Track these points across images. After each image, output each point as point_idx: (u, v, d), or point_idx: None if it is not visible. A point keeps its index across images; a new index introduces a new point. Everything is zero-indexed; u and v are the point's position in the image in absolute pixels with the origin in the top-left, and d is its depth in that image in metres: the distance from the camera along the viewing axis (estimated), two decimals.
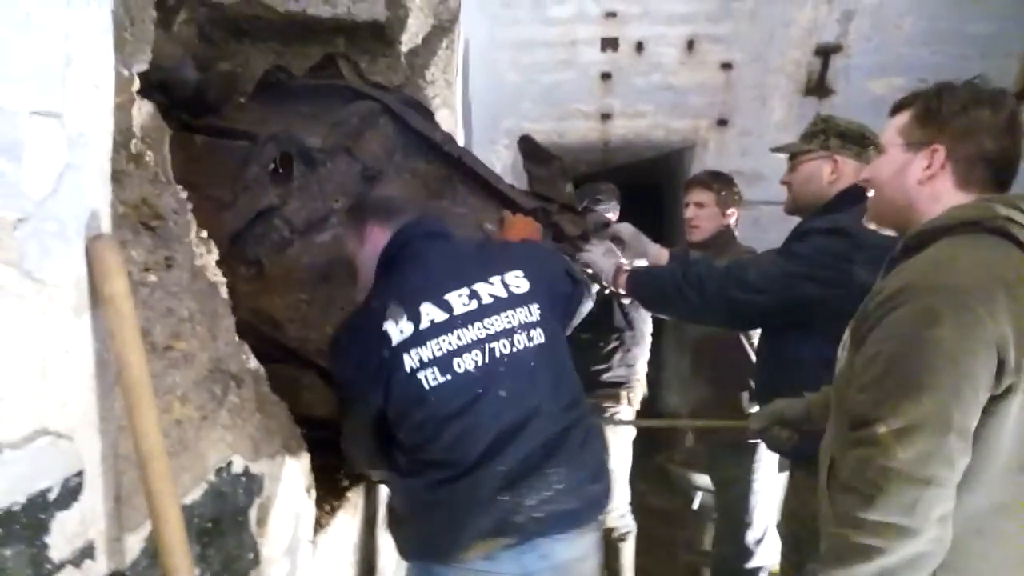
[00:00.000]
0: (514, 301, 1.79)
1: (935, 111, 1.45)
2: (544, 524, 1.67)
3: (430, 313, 1.74)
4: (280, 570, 1.80)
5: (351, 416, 1.90)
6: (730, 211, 3.08)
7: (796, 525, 2.23)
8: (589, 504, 1.75)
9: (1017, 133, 1.44)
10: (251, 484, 1.62)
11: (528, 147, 2.85)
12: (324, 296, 2.28)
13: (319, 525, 2.09)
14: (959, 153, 1.42)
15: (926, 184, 1.45)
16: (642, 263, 2.68)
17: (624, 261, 2.55)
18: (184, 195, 1.48)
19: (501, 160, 4.92)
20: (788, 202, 2.44)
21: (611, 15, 4.61)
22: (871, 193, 1.57)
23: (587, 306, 2.12)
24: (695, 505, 3.71)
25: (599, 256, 2.51)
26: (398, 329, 1.73)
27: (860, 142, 2.26)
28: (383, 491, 2.59)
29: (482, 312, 1.76)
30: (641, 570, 4.11)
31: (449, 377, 1.71)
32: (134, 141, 1.35)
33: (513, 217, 2.35)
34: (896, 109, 1.54)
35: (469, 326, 1.74)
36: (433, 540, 1.73)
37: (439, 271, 1.81)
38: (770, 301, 2.16)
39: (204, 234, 1.52)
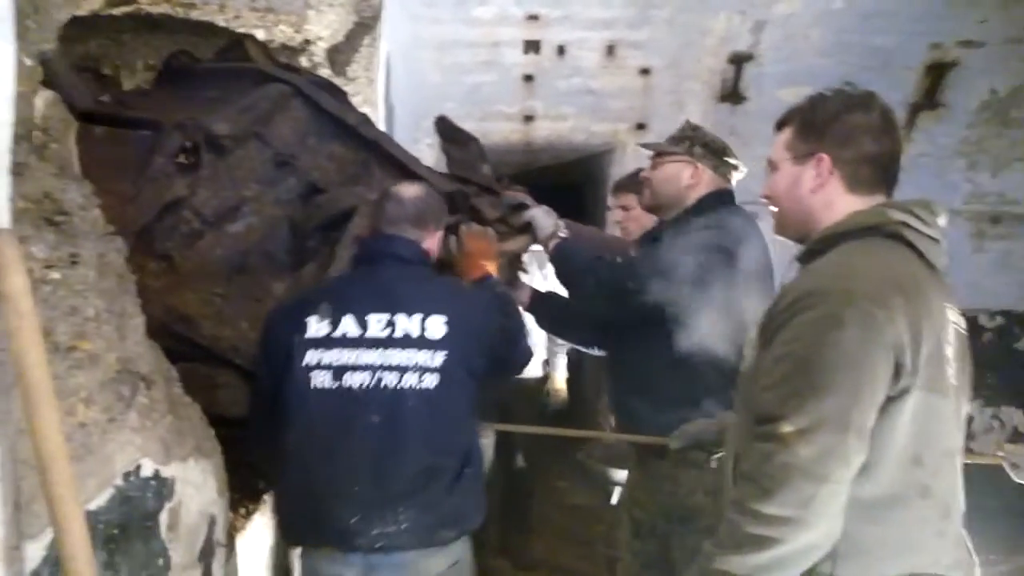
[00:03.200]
0: (421, 343, 1.89)
1: (812, 122, 1.52)
2: (381, 550, 1.82)
3: (347, 326, 1.90)
4: None
5: (256, 384, 2.02)
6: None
7: (640, 512, 2.36)
8: (432, 542, 1.85)
9: (893, 131, 1.51)
10: (161, 488, 1.58)
11: (445, 128, 2.81)
12: (239, 289, 2.22)
13: (234, 528, 2.05)
14: (842, 157, 1.49)
15: (818, 192, 1.52)
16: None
17: (562, 228, 2.54)
18: (90, 190, 1.43)
19: (424, 158, 4.87)
20: (646, 197, 2.54)
21: (533, 18, 4.64)
22: (773, 209, 1.64)
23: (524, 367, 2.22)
24: (614, 500, 3.78)
25: (540, 214, 2.53)
26: (316, 326, 1.90)
27: (720, 155, 2.40)
28: None
29: (388, 343, 1.89)
30: (561, 566, 4.17)
31: (335, 387, 1.87)
32: (36, 133, 1.30)
33: (469, 234, 2.34)
34: (779, 126, 1.61)
35: (371, 350, 1.88)
36: (296, 530, 1.96)
37: (374, 290, 1.96)
38: (662, 292, 2.18)
39: (112, 229, 1.47)
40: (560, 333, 2.99)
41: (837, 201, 1.51)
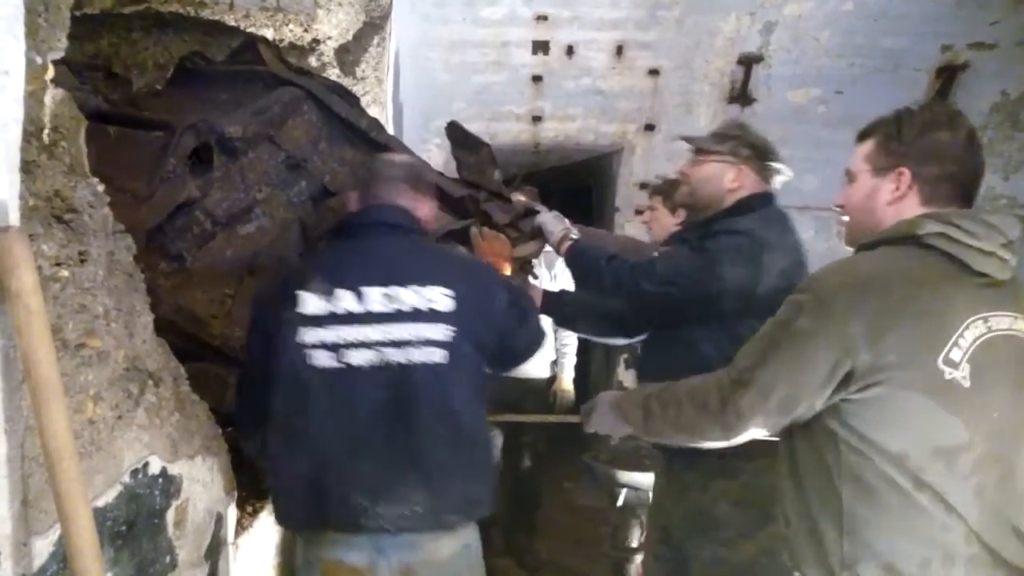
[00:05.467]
0: (425, 316, 1.78)
1: (896, 136, 1.55)
2: (388, 531, 1.74)
3: (344, 300, 1.78)
4: (200, 574, 1.76)
5: (246, 366, 1.92)
6: (679, 212, 3.12)
7: (666, 519, 2.32)
8: (440, 524, 1.78)
9: (977, 151, 1.53)
10: (168, 485, 1.58)
11: (456, 134, 2.81)
12: (249, 290, 2.23)
13: (241, 527, 2.05)
14: (923, 173, 1.52)
15: (894, 204, 1.55)
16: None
17: (573, 230, 2.55)
18: (101, 188, 1.43)
19: (433, 160, 4.90)
20: (684, 195, 2.47)
21: (542, 18, 4.64)
22: (845, 218, 1.67)
23: (536, 353, 2.06)
24: (620, 502, 3.78)
25: (550, 219, 2.55)
26: (311, 302, 1.78)
27: (766, 156, 2.31)
28: None
29: (391, 317, 1.78)
30: (567, 567, 4.16)
31: (336, 365, 1.75)
32: (46, 131, 1.30)
33: (484, 236, 2.34)
34: (861, 137, 1.64)
35: (372, 325, 1.77)
36: (296, 514, 1.82)
37: (372, 262, 1.85)
38: (680, 294, 2.19)
39: (122, 227, 1.48)
40: (575, 327, 2.99)
41: (909, 214, 1.52)
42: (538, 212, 2.63)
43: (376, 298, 1.78)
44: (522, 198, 3.80)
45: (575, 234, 2.50)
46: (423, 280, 1.81)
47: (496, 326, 1.89)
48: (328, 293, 1.79)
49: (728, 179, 2.30)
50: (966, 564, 1.40)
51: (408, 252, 1.90)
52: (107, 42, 2.78)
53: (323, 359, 1.76)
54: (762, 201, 2.28)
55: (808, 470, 1.55)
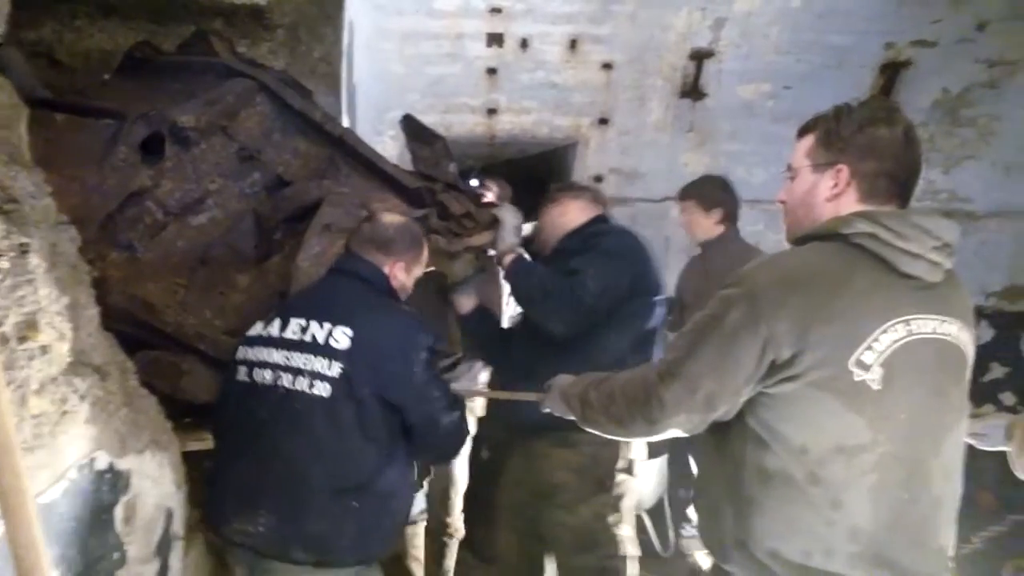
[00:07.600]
0: (321, 350, 1.87)
1: (835, 132, 1.55)
2: (241, 544, 1.86)
3: (273, 326, 1.97)
4: (150, 569, 1.74)
5: None
6: (715, 211, 3.47)
7: (520, 492, 2.62)
8: (288, 558, 1.80)
9: (915, 147, 1.54)
10: (116, 481, 1.56)
11: (411, 127, 2.82)
12: (202, 280, 2.21)
13: (193, 522, 2.03)
14: (861, 170, 1.52)
15: (832, 201, 1.55)
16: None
17: (522, 251, 2.59)
18: (42, 178, 1.40)
19: (387, 151, 4.86)
20: (538, 245, 2.74)
21: (496, 11, 4.63)
22: (784, 214, 1.69)
23: (437, 438, 2.01)
24: None
25: (509, 216, 2.59)
26: (256, 328, 2.00)
27: (571, 188, 2.74)
28: None
29: (295, 345, 1.90)
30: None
31: (248, 380, 1.93)
32: None
33: None
34: (801, 132, 1.65)
35: (279, 350, 1.91)
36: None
37: (313, 298, 2.02)
38: (613, 294, 2.39)
39: (65, 219, 1.45)
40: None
41: (847, 211, 1.53)
42: (497, 204, 2.66)
43: (293, 327, 1.93)
44: (495, 189, 3.81)
45: (524, 253, 2.58)
46: (337, 319, 1.90)
47: (405, 382, 1.89)
48: (268, 320, 1.98)
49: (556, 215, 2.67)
50: (847, 559, 1.44)
51: (347, 295, 2.01)
52: (49, 29, 2.72)
53: (241, 374, 1.95)
54: (604, 219, 2.66)
55: (718, 454, 1.60)
